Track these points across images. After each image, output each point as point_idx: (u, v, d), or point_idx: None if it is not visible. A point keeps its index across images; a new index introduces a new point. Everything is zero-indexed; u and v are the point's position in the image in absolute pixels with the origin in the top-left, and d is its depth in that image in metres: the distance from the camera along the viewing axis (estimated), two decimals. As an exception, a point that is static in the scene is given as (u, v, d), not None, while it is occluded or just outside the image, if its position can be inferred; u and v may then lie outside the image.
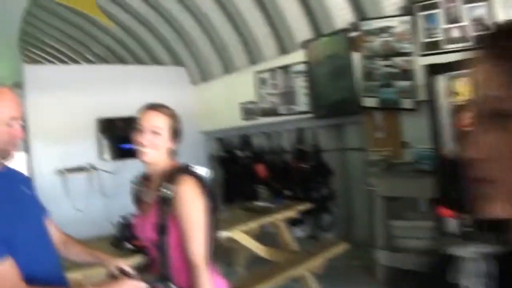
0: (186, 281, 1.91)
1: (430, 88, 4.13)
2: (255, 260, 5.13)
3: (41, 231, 1.91)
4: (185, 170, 2.00)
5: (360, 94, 5.33)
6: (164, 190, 1.91)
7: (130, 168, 7.32)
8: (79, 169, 7.27)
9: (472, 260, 0.79)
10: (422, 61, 4.66)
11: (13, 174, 1.93)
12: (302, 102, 6.24)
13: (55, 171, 7.08)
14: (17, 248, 1.64)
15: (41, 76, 7.20)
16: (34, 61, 12.09)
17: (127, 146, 7.29)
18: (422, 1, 4.63)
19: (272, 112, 6.85)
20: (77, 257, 2.16)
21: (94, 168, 7.41)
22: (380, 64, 5.07)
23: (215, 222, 2.04)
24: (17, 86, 8.48)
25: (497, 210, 0.63)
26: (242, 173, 7.48)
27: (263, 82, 6.94)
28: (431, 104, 4.28)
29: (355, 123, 5.72)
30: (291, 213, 5.03)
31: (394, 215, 4.82)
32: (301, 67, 6.20)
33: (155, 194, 1.98)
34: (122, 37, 9.29)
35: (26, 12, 7.53)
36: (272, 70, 6.74)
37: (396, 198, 4.92)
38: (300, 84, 6.25)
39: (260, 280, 3.87)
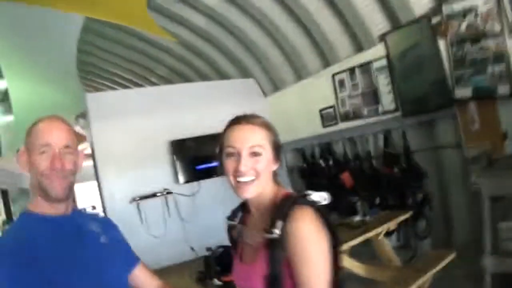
0: None
1: None
2: (351, 277, 5.20)
3: (97, 276, 1.76)
4: (300, 199, 1.64)
5: (451, 84, 5.34)
6: (275, 230, 1.56)
7: (207, 190, 7.78)
8: (154, 195, 7.68)
9: None
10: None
11: (86, 220, 1.86)
12: (387, 100, 6.30)
13: (129, 199, 7.47)
14: None
15: (104, 103, 7.61)
16: (98, 90, 12.90)
17: (202, 166, 7.74)
18: None
19: (354, 116, 6.94)
20: None
21: (169, 192, 7.78)
22: (468, 49, 5.08)
23: (338, 263, 1.65)
24: (82, 116, 9.16)
25: None
26: (326, 183, 7.62)
27: (341, 84, 7.05)
28: None
29: (447, 117, 5.68)
30: (391, 225, 4.97)
31: (498, 216, 4.77)
32: (382, 63, 6.25)
33: (262, 235, 1.62)
34: (184, 55, 9.73)
35: (83, 41, 8.12)
36: (350, 70, 6.84)
37: (502, 197, 4.87)
38: (383, 82, 6.30)
39: None
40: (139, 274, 2.01)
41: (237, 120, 1.74)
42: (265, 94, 9.06)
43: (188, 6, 7.98)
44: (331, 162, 7.63)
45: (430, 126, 6.06)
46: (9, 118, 13.38)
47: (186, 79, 10.46)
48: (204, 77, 10.05)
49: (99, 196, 7.87)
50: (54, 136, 1.72)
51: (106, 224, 1.99)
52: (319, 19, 6.85)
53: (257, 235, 1.66)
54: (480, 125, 5.21)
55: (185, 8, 8.02)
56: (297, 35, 7.47)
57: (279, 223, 1.55)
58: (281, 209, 1.60)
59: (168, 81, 11.03)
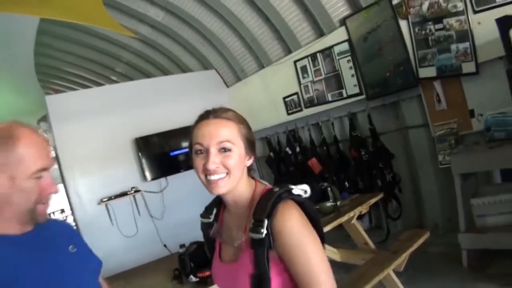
0: None
1: (506, 41, 3.98)
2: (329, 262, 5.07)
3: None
4: (283, 195, 1.52)
5: (414, 65, 5.20)
6: (259, 229, 1.45)
7: (175, 185, 7.52)
8: (122, 194, 7.36)
9: None
10: (477, 19, 4.51)
11: (48, 235, 1.67)
12: (351, 84, 6.11)
13: (97, 200, 7.15)
14: None
15: (65, 104, 7.23)
16: (58, 92, 12.45)
17: (169, 161, 7.48)
18: None
19: (318, 101, 6.74)
20: None
21: (137, 190, 7.46)
22: (431, 28, 4.92)
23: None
24: (43, 119, 8.74)
25: None
26: (294, 171, 7.44)
27: (304, 70, 6.83)
28: (509, 59, 4.14)
29: (412, 98, 5.60)
30: (363, 208, 4.73)
31: (470, 193, 4.67)
32: (344, 47, 6.06)
33: (242, 233, 1.56)
34: (144, 51, 9.44)
35: (40, 44, 7.72)
36: (311, 56, 6.62)
37: (472, 174, 4.79)
38: (346, 65, 6.11)
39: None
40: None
41: (206, 115, 1.61)
42: (227, 84, 8.80)
43: (144, 0, 7.64)
44: (298, 149, 7.44)
45: (396, 108, 5.98)
46: None
47: (147, 75, 10.16)
48: (165, 72, 9.76)
49: (66, 199, 7.52)
50: (49, 160, 1.60)
51: (69, 230, 1.84)
52: (278, 6, 6.62)
53: (239, 234, 1.56)
54: (446, 104, 5.12)
55: (142, 2, 7.69)
56: (257, 23, 7.23)
57: (265, 222, 1.45)
58: (264, 206, 1.48)
59: (129, 78, 10.68)
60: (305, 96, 6.93)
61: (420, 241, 4.38)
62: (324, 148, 6.97)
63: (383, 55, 5.54)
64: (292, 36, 6.85)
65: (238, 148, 1.56)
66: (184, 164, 7.62)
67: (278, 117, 7.61)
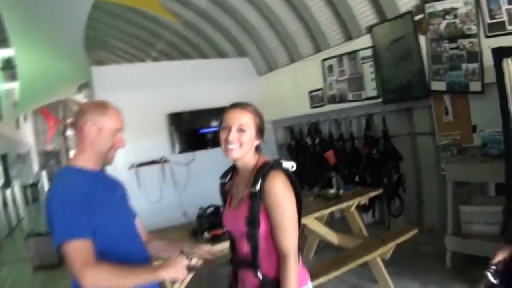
0: (272, 270, 2.11)
1: (498, 70, 4.33)
2: (326, 246, 5.56)
3: (131, 228, 2.33)
4: (274, 166, 2.14)
5: (428, 77, 5.57)
6: (256, 186, 2.07)
7: (200, 160, 8.03)
8: (152, 162, 7.95)
9: None
10: (488, 43, 4.81)
11: (108, 178, 2.36)
12: (370, 87, 6.52)
13: (128, 166, 7.77)
14: (106, 238, 2.07)
15: (109, 76, 7.83)
16: (102, 63, 13.00)
17: (198, 137, 7.99)
18: None
19: (340, 99, 7.17)
20: (161, 252, 2.49)
21: (165, 160, 8.07)
22: (446, 46, 5.29)
23: (301, 214, 2.23)
24: (84, 86, 9.31)
25: None
26: (311, 160, 7.89)
27: (330, 69, 7.26)
28: (500, 87, 4.47)
29: (424, 107, 5.96)
30: (363, 199, 5.35)
31: (463, 200, 5.02)
32: (368, 52, 6.46)
33: (246, 189, 2.14)
34: (185, 33, 9.91)
35: (91, 17, 8.24)
36: (338, 57, 7.04)
37: (466, 183, 5.16)
38: (368, 70, 6.52)
39: (332, 267, 4.27)
40: (137, 223, 2.44)
41: (234, 105, 2.25)
42: (259, 73, 9.24)
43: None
44: (317, 141, 7.91)
45: (408, 114, 6.33)
46: (11, 85, 13.41)
47: (185, 55, 10.64)
48: (202, 54, 10.24)
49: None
50: (123, 125, 2.29)
51: (118, 181, 2.45)
52: (313, 7, 7.04)
53: (243, 189, 2.20)
54: (452, 117, 5.48)
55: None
56: (292, 20, 7.67)
57: (259, 182, 2.08)
58: (261, 171, 2.13)
59: (168, 56, 11.20)
60: (329, 93, 7.37)
61: (408, 235, 4.83)
62: (341, 143, 7.43)
63: (401, 65, 5.93)
64: (323, 36, 7.27)
65: (250, 131, 2.19)
66: (211, 141, 8.15)
67: (302, 109, 8.05)
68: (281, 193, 2.07)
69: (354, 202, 5.11)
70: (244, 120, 2.18)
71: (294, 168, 2.19)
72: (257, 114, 2.26)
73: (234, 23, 8.71)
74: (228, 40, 9.38)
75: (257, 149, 2.27)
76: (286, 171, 2.16)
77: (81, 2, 6.81)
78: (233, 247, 2.34)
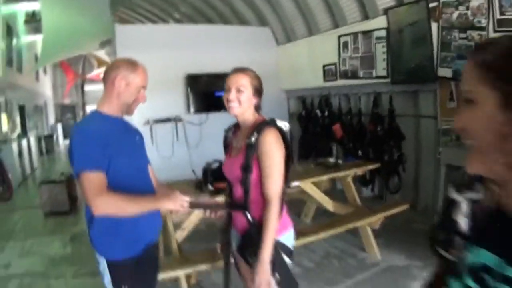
0: (259, 213, 2.43)
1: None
2: (323, 213, 5.81)
3: (143, 169, 2.65)
4: (270, 123, 2.45)
5: (436, 63, 5.76)
6: (252, 138, 2.39)
7: (213, 121, 8.32)
8: (166, 120, 8.25)
9: (465, 204, 1.07)
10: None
11: (128, 125, 2.64)
12: (381, 67, 6.71)
13: (144, 121, 8.05)
14: (119, 174, 2.37)
15: (131, 35, 8.06)
16: (126, 21, 13.18)
17: (218, 94, 8.25)
18: None
19: (352, 75, 7.37)
20: None
21: (179, 119, 8.37)
22: (456, 36, 5.46)
23: (289, 168, 2.54)
24: (107, 43, 9.54)
25: (474, 168, 0.94)
26: (319, 131, 8.15)
27: (345, 45, 7.44)
28: None
29: (430, 91, 6.12)
30: (359, 171, 5.61)
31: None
32: (382, 33, 6.62)
33: (243, 141, 2.47)
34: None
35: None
36: (354, 34, 7.21)
37: (459, 168, 5.36)
38: (380, 50, 6.70)
39: (322, 228, 4.59)
40: (149, 169, 2.76)
41: (234, 70, 2.57)
42: (278, 42, 9.41)
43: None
44: (326, 113, 8.13)
45: (414, 96, 6.51)
46: (33, 38, 13.55)
47: (207, 19, 10.79)
48: (224, 20, 10.39)
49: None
50: (147, 83, 2.56)
51: (137, 129, 2.76)
52: (334, -16, 7.15)
53: (241, 141, 2.52)
54: (456, 103, 5.66)
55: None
56: (313, -6, 7.77)
57: (255, 135, 2.40)
58: (257, 127, 2.44)
59: (191, 19, 11.33)
60: (342, 68, 7.57)
61: (398, 209, 5.11)
62: (349, 117, 7.64)
63: (412, 48, 6.10)
64: (341, 12, 7.42)
65: (248, 91, 2.51)
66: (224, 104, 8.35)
67: (315, 82, 8.28)
68: (270, 146, 2.38)
69: (351, 172, 5.37)
70: (242, 82, 2.49)
71: (288, 127, 2.51)
72: (255, 77, 2.56)
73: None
74: (250, 8, 9.52)
75: (257, 108, 2.59)
76: (279, 129, 2.46)
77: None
78: (230, 193, 2.66)
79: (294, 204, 6.67)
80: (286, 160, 2.49)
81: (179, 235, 4.40)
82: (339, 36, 7.54)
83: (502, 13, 4.93)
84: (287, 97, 9.44)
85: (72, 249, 6.02)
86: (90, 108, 20.71)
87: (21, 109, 15.00)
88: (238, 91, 2.48)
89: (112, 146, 2.34)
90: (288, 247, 2.56)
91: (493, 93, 0.88)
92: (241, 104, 2.49)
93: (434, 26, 5.75)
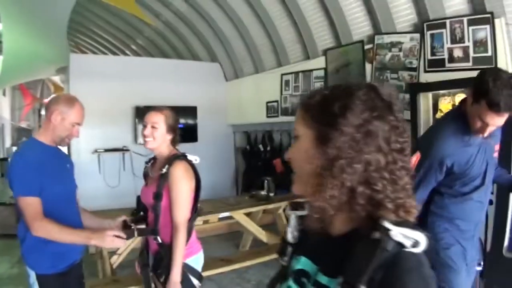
0: (169, 237, 2.57)
1: (413, 103, 4.67)
2: (261, 244, 5.66)
3: (71, 194, 2.79)
4: (180, 156, 2.65)
5: (369, 102, 5.73)
6: (163, 169, 2.56)
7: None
8: (113, 149, 7.98)
9: (293, 219, 1.19)
10: (426, 77, 5.01)
11: (61, 152, 2.79)
12: (319, 105, 6.66)
13: (92, 150, 7.85)
14: (51, 196, 2.49)
15: (84, 64, 7.93)
16: (84, 51, 12.98)
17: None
18: (431, 20, 4.92)
19: (292, 112, 7.34)
20: (87, 222, 2.86)
21: (127, 149, 8.11)
22: (388, 76, 5.51)
23: (198, 198, 2.74)
24: (62, 70, 9.28)
25: (296, 190, 1.06)
26: (261, 166, 8.03)
27: (286, 83, 7.46)
28: (412, 117, 4.72)
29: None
30: (288, 204, 5.53)
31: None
32: (321, 73, 6.68)
33: (157, 172, 2.64)
34: (164, 32, 10.02)
35: (77, 4, 8.25)
36: (295, 73, 7.25)
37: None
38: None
39: (247, 257, 4.47)
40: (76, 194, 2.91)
41: (152, 109, 2.76)
42: (226, 78, 9.36)
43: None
44: (268, 148, 8.02)
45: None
46: None
47: (163, 54, 10.72)
48: (178, 54, 10.36)
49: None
50: (82, 120, 2.68)
51: (68, 156, 3.03)
52: (279, 25, 7.26)
53: (156, 172, 2.67)
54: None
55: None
56: (259, 34, 7.85)
57: (166, 166, 2.56)
58: (169, 160, 2.61)
59: (147, 51, 11.28)
60: (283, 105, 7.54)
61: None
62: (289, 152, 7.49)
63: (347, 88, 6.06)
64: (284, 52, 7.49)
65: (162, 128, 2.67)
66: (170, 136, 8.15)
67: (259, 117, 8.23)
68: (178, 177, 2.55)
69: (281, 205, 5.27)
70: (156, 120, 2.66)
71: (198, 161, 2.71)
72: (170, 115, 2.72)
73: (209, 30, 8.86)
74: (202, 45, 9.49)
75: (173, 143, 2.76)
76: (189, 162, 2.67)
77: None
78: (146, 219, 2.80)
79: (233, 235, 6.47)
80: (196, 191, 2.69)
81: (114, 260, 4.64)
82: (282, 75, 7.58)
83: (433, 54, 4.99)
84: (234, 131, 9.30)
85: (19, 270, 5.88)
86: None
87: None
88: (153, 127, 2.65)
89: (46, 173, 2.50)
90: (196, 269, 2.70)
91: (309, 131, 1.03)
92: (155, 139, 2.66)
93: (368, 67, 5.81)
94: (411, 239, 0.91)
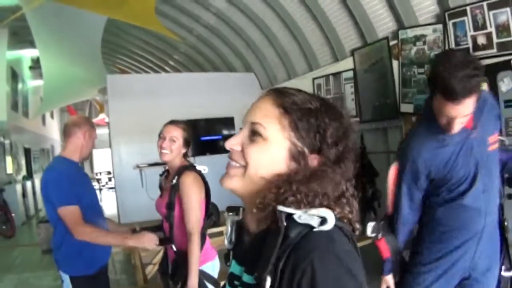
0: (184, 244, 2.66)
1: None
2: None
3: (97, 202, 3.19)
4: (189, 167, 2.76)
5: (399, 100, 5.55)
6: (173, 180, 2.69)
7: (198, 164, 8.12)
8: (155, 164, 8.08)
9: (229, 224, 1.15)
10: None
11: (81, 167, 3.15)
12: (350, 106, 6.48)
13: (134, 165, 8.03)
14: (84, 204, 2.77)
15: (121, 84, 8.17)
16: (125, 68, 13.34)
17: (203, 139, 8.11)
18: (452, 9, 4.65)
19: (325, 117, 7.14)
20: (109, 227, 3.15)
21: (167, 164, 8.18)
22: (415, 71, 5.26)
23: (208, 205, 2.87)
24: (103, 91, 9.63)
25: (231, 185, 1.06)
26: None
27: (318, 87, 7.30)
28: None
29: (396, 127, 5.90)
30: None
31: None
32: (350, 74, 6.48)
33: (170, 183, 2.75)
34: (198, 46, 10.11)
35: (112, 25, 8.51)
36: (326, 77, 7.09)
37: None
38: (349, 90, 6.54)
39: None
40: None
41: (170, 122, 2.86)
42: (262, 87, 9.31)
43: (200, 6, 8.37)
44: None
45: (384, 133, 6.27)
46: (38, 83, 13.55)
47: (198, 66, 10.88)
48: (214, 66, 10.47)
49: (111, 160, 8.34)
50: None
51: (85, 172, 3.38)
52: (305, 28, 7.16)
53: (168, 184, 2.81)
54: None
55: (197, 6, 8.43)
56: (288, 40, 7.78)
57: (176, 177, 2.68)
58: (180, 170, 2.71)
59: (184, 66, 11.47)
60: (316, 110, 7.35)
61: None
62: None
63: (377, 87, 5.92)
64: (314, 56, 7.34)
65: (178, 141, 2.77)
66: (209, 148, 8.23)
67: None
68: (188, 186, 2.64)
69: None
70: (174, 134, 2.75)
71: (206, 171, 2.84)
72: (185, 129, 2.84)
73: (240, 40, 8.89)
74: (236, 56, 9.53)
75: (185, 155, 2.86)
76: (199, 172, 2.77)
77: (97, 20, 7.08)
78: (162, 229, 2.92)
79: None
80: (206, 198, 2.80)
81: (150, 269, 5.04)
82: (314, 79, 7.41)
83: (457, 44, 4.70)
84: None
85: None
86: (94, 151, 21.20)
87: (27, 152, 15.17)
88: (172, 140, 2.73)
89: (78, 185, 2.82)
90: (211, 276, 2.78)
91: (287, 144, 1.05)
92: (172, 152, 2.74)
93: (395, 64, 5.58)
94: (316, 217, 0.91)
